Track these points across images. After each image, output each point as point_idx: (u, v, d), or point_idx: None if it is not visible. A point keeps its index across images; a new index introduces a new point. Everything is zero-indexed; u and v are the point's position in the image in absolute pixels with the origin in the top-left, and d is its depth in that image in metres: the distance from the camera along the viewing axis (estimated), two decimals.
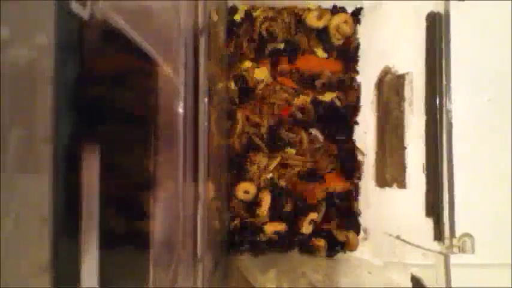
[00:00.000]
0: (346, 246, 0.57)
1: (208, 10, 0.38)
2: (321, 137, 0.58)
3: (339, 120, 0.58)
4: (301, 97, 0.57)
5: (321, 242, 0.56)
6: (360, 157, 0.58)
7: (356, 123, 0.58)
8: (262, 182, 0.57)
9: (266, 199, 0.56)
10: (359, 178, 0.58)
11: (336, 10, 0.58)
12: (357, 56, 0.59)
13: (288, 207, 0.56)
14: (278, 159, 0.56)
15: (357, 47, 0.58)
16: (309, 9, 0.57)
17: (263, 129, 0.57)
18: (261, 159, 0.56)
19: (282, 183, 0.57)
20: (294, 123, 0.57)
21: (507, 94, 0.54)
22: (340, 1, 0.57)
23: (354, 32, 0.58)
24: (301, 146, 0.57)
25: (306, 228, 0.56)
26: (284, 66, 0.58)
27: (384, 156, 0.52)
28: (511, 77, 0.54)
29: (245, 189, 0.56)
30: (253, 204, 0.57)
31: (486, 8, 0.54)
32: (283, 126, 0.57)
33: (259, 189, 0.57)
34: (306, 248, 0.57)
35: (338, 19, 0.57)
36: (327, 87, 0.58)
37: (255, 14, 0.57)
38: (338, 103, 0.57)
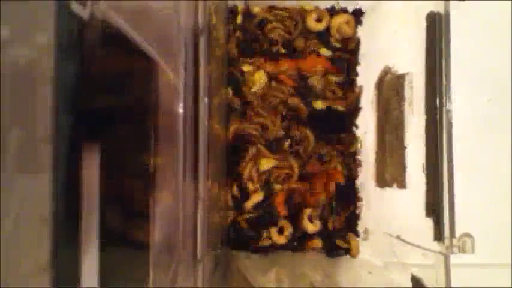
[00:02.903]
0: (350, 252, 0.56)
1: (208, 10, 0.38)
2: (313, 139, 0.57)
3: (338, 125, 0.57)
4: (296, 99, 0.56)
5: (317, 244, 0.55)
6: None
7: (356, 126, 0.58)
8: (256, 179, 0.56)
9: (257, 196, 0.55)
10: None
11: (333, 11, 0.57)
12: (357, 57, 0.58)
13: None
14: (274, 163, 0.55)
15: (358, 48, 0.58)
16: (306, 11, 0.57)
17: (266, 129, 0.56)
18: (258, 157, 0.56)
19: (277, 186, 0.56)
20: (296, 123, 0.57)
21: (507, 94, 0.54)
22: (340, 1, 0.57)
23: (354, 33, 0.58)
24: (306, 147, 0.56)
25: (306, 225, 0.55)
26: (283, 67, 0.57)
27: (384, 156, 0.52)
28: (511, 77, 0.54)
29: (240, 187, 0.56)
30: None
31: (486, 8, 0.54)
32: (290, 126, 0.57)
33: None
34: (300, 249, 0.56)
35: (339, 19, 0.56)
36: (326, 90, 0.57)
37: (254, 12, 0.57)
38: (339, 108, 0.57)
